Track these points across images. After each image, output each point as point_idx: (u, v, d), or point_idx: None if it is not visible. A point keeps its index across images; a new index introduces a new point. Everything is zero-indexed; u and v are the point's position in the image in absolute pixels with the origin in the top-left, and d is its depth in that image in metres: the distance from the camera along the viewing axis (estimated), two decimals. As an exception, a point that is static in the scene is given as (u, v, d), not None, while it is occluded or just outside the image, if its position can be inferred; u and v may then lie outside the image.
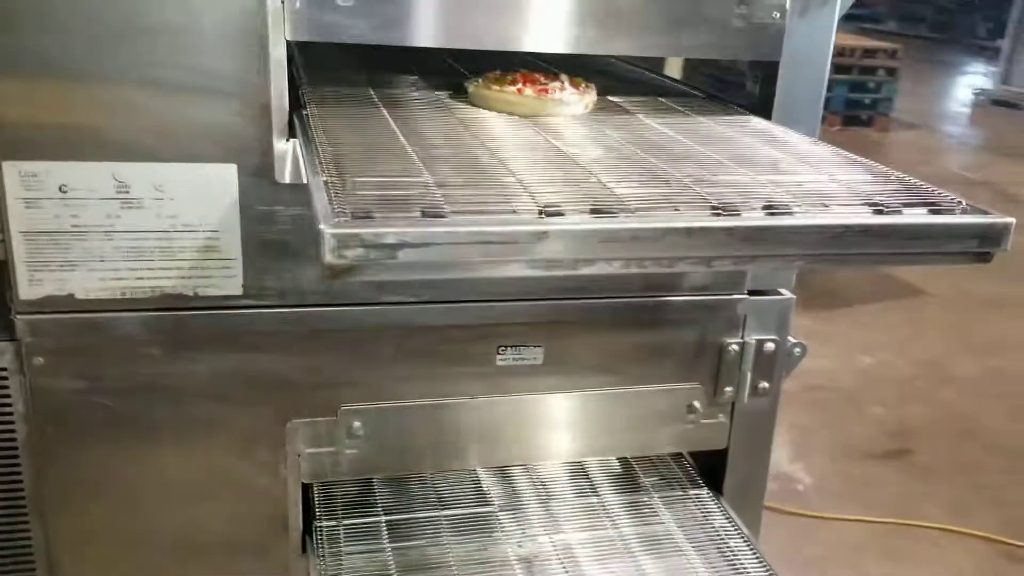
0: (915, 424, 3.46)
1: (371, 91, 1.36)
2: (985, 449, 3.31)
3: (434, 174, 0.96)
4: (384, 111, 1.25)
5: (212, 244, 1.21)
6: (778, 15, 1.29)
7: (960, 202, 0.97)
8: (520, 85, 1.26)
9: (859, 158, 1.13)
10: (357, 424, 1.33)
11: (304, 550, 1.38)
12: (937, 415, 3.52)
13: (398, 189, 0.91)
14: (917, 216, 0.92)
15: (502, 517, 1.45)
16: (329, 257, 0.77)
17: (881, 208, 0.94)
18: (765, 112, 1.36)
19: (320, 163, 0.96)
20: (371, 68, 1.52)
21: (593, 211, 0.87)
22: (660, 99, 1.46)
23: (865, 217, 0.90)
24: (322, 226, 0.77)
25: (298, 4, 1.14)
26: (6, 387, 1.25)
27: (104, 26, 1.10)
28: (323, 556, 1.34)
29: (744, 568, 1.36)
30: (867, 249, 0.92)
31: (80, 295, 1.20)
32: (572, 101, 1.27)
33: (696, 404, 1.47)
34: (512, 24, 1.22)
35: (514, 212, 0.86)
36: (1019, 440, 3.36)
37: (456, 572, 1.31)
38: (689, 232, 0.86)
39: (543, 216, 0.85)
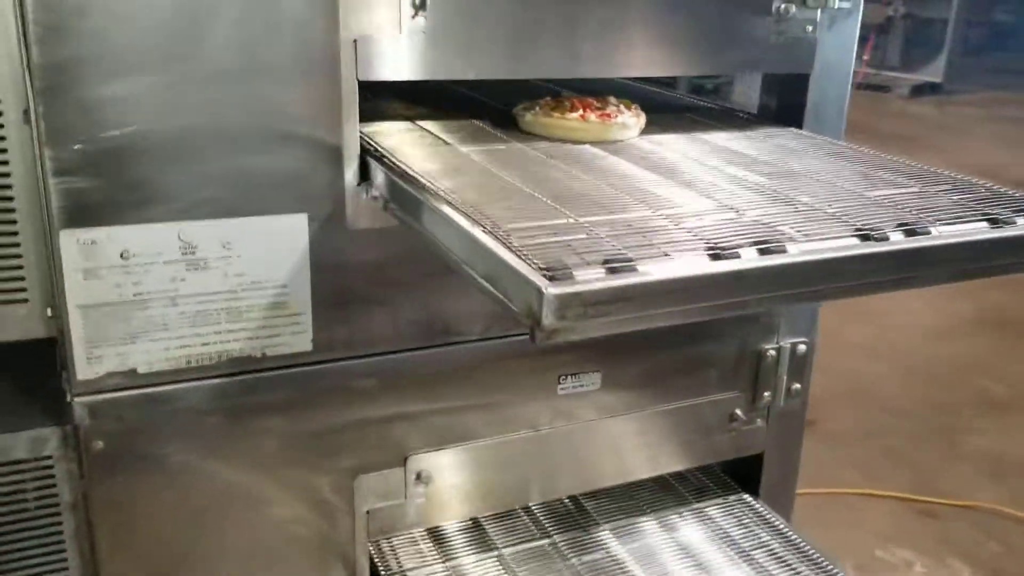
0: (820, 393, 3.64)
1: (417, 124, 1.30)
2: (887, 413, 3.53)
3: (573, 216, 0.93)
4: (457, 147, 1.20)
5: (281, 300, 1.13)
6: (811, 28, 1.32)
7: (1052, 207, 1.02)
8: (581, 111, 1.23)
9: (928, 167, 1.17)
10: (424, 471, 1.28)
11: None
12: (838, 383, 3.73)
13: (555, 234, 0.88)
14: (1038, 226, 0.97)
15: (561, 546, 1.43)
16: (551, 320, 0.73)
17: (996, 219, 0.98)
18: (795, 122, 1.40)
19: (460, 212, 0.91)
20: (387, 101, 1.45)
21: (757, 245, 0.87)
22: (688, 115, 1.47)
23: (1000, 231, 0.94)
24: (549, 289, 0.73)
25: (371, 45, 1.07)
26: (51, 476, 1.13)
27: (170, 74, 1.00)
28: (398, 612, 1.28)
29: (803, 570, 1.39)
30: (994, 262, 0.96)
31: (142, 369, 1.09)
32: (631, 124, 1.26)
33: (738, 412, 1.49)
34: (570, 51, 1.20)
35: (688, 252, 0.85)
36: (915, 403, 3.60)
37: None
38: (861, 259, 0.87)
39: (718, 256, 0.84)
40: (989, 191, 1.08)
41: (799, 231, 0.92)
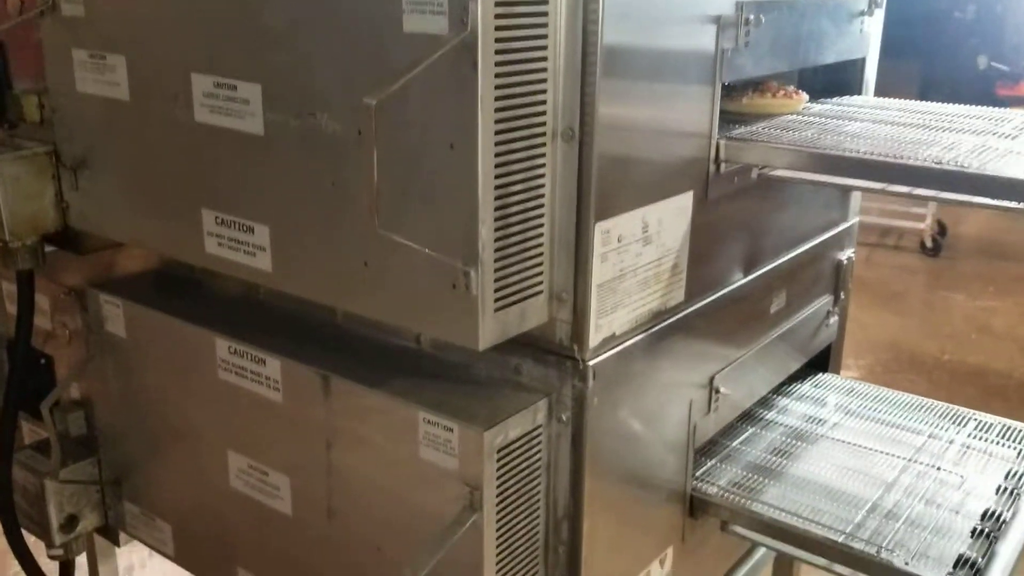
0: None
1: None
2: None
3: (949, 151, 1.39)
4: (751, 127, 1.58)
5: (676, 262, 1.43)
6: (866, 23, 1.87)
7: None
8: (783, 92, 1.67)
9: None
10: (722, 388, 1.63)
11: (692, 513, 1.64)
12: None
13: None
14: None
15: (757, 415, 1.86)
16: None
17: None
18: (853, 92, 1.95)
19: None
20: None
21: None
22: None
23: None
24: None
25: (729, 53, 1.42)
26: (539, 442, 1.33)
27: (650, 95, 1.28)
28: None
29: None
30: None
31: (618, 332, 1.34)
32: (805, 98, 1.73)
33: (830, 310, 2.02)
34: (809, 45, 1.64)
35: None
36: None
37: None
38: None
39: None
40: None
41: None
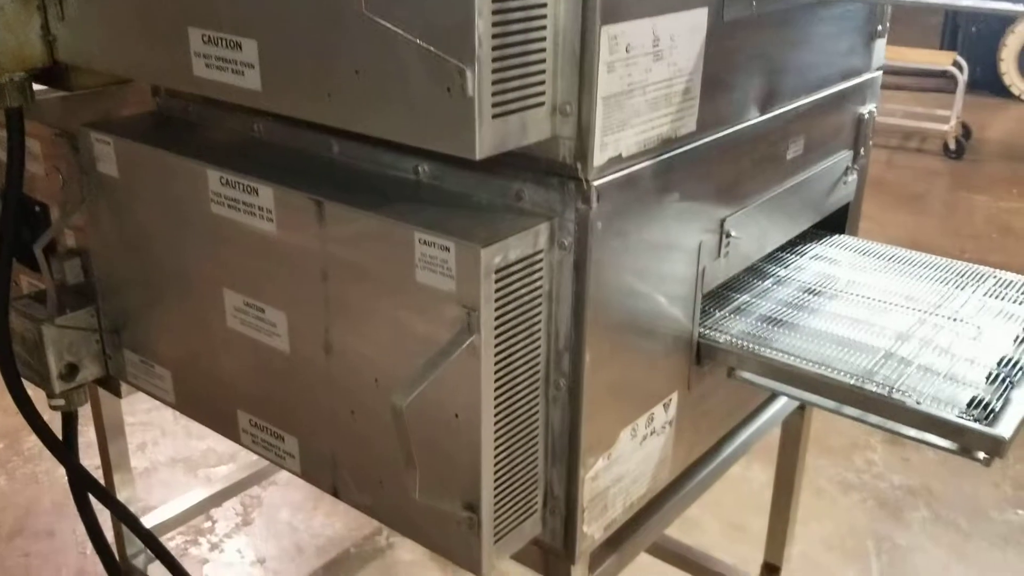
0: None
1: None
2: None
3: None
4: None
5: (688, 86, 1.35)
6: None
7: None
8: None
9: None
10: (733, 232, 1.57)
11: (698, 360, 1.59)
12: None
13: None
14: None
15: (771, 272, 1.80)
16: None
17: None
18: None
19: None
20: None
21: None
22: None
23: None
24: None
25: None
26: (540, 268, 1.27)
27: None
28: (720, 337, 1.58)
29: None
30: None
31: (624, 153, 1.27)
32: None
33: (848, 166, 1.94)
34: None
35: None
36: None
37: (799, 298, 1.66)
38: None
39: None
40: None
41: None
